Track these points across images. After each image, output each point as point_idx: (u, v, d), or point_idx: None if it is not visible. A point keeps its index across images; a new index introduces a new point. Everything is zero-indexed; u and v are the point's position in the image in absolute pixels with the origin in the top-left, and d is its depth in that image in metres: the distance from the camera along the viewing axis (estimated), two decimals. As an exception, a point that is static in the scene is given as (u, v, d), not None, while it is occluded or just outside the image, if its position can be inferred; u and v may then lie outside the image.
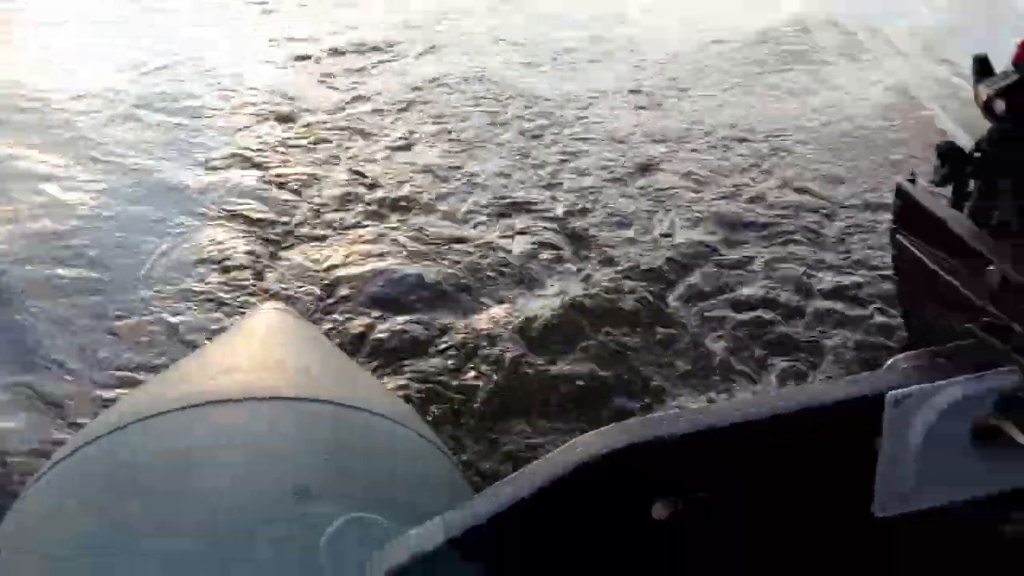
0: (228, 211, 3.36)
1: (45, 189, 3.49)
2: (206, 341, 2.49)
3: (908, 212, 1.17)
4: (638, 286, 2.79)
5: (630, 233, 3.21)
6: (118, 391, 2.28)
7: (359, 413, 1.05)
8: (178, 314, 2.73)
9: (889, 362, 0.99)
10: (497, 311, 2.71)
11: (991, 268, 0.99)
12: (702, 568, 0.94)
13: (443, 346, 2.53)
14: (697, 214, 3.33)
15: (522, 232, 3.19)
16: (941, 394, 0.93)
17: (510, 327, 2.59)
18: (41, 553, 0.89)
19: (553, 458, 0.87)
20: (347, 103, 4.43)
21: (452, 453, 1.27)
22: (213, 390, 1.02)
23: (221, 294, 2.83)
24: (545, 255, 3.06)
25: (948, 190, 1.15)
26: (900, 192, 1.19)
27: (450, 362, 2.46)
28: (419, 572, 0.83)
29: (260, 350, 1.19)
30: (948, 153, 1.08)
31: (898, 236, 1.20)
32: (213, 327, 2.62)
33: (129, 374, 2.43)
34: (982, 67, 1.03)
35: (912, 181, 1.19)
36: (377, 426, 1.05)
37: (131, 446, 0.95)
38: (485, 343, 2.52)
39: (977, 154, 1.06)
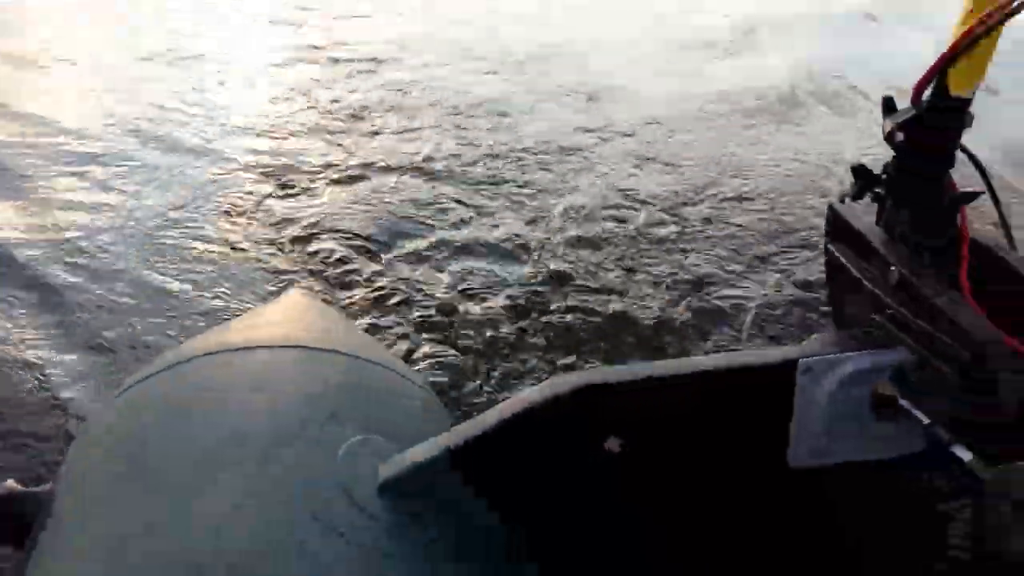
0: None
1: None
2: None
3: (836, 226, 1.39)
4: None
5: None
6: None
7: (368, 364, 1.25)
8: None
9: (808, 339, 1.21)
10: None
11: (892, 270, 1.21)
12: (645, 496, 1.14)
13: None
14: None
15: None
16: (844, 364, 1.15)
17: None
18: (109, 470, 1.08)
19: (530, 393, 1.08)
20: (330, 105, 4.76)
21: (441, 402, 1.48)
22: (251, 338, 1.23)
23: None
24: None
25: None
26: (831, 209, 1.42)
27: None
28: (419, 479, 1.04)
29: (290, 315, 1.40)
30: (860, 172, 1.31)
31: (829, 247, 1.43)
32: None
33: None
34: (888, 105, 1.26)
35: (843, 201, 1.42)
36: (382, 375, 1.26)
37: (184, 379, 1.15)
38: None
39: (884, 176, 1.29)
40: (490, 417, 1.06)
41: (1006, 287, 1.22)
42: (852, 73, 5.20)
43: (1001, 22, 1.08)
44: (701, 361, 1.17)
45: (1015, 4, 1.05)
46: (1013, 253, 1.26)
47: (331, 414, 1.09)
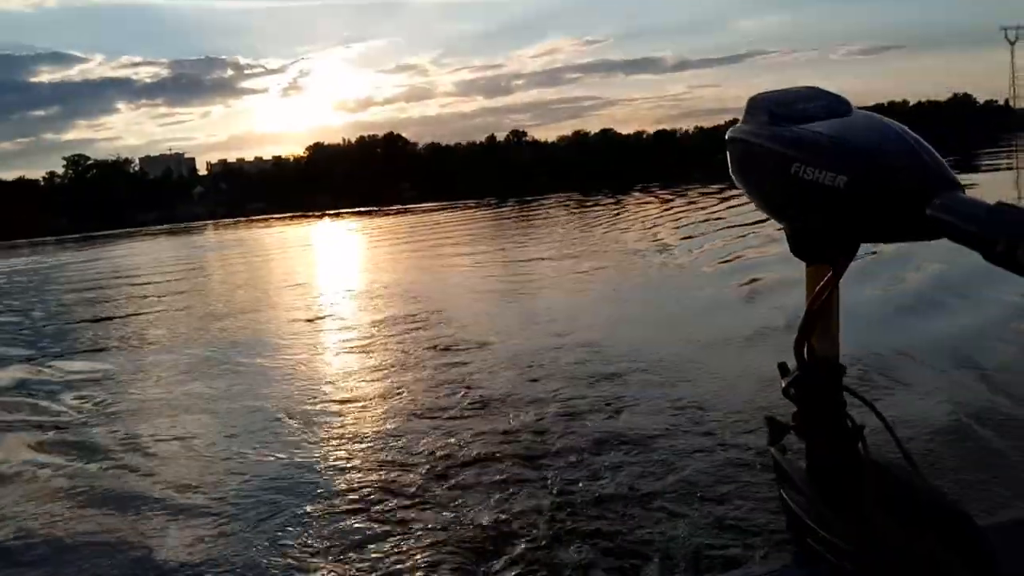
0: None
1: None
2: None
3: (778, 471, 1.68)
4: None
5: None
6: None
7: None
8: None
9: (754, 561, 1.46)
10: None
11: (813, 500, 1.49)
12: None
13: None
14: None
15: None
16: None
17: None
18: None
19: None
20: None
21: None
22: None
23: None
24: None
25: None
26: (772, 457, 1.70)
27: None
28: None
29: None
30: (771, 422, 1.62)
31: (780, 491, 1.69)
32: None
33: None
34: (782, 368, 1.60)
35: (782, 451, 1.71)
36: None
37: None
38: None
39: (792, 425, 1.59)
40: None
41: (909, 501, 1.45)
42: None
43: (828, 296, 1.45)
44: None
45: (831, 285, 1.44)
46: (913, 472, 1.51)
47: None
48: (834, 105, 1.38)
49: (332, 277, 16.70)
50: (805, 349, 1.54)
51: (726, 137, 1.53)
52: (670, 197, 32.11)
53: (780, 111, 1.38)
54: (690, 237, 15.65)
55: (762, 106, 1.44)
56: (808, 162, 1.23)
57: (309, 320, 9.74)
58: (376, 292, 11.95)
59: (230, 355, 7.83)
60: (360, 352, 7.51)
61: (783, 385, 1.58)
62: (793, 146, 1.28)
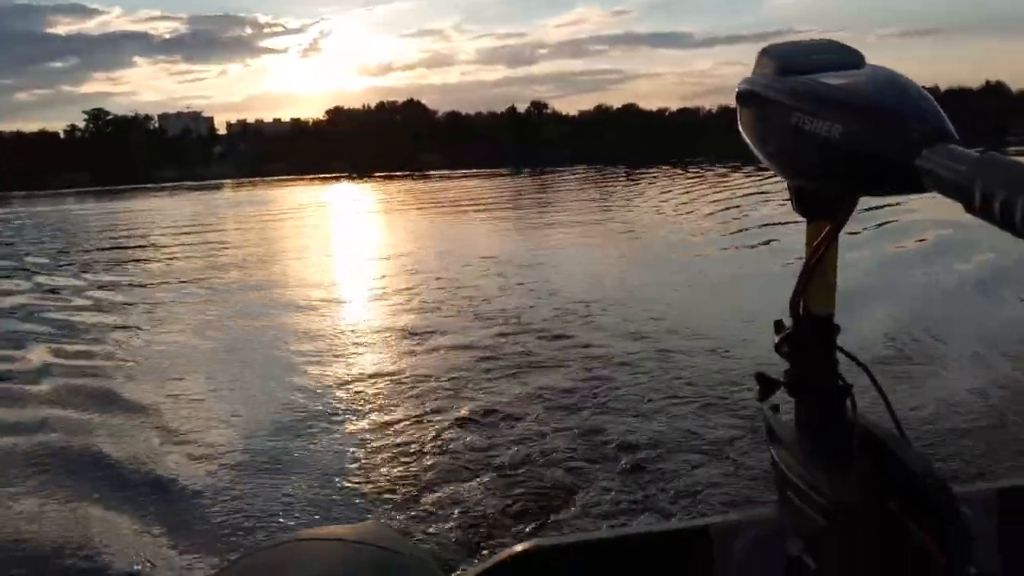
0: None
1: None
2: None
3: (768, 428, 1.69)
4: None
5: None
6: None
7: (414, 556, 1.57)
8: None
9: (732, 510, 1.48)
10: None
11: (797, 456, 1.50)
12: None
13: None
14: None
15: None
16: (752, 528, 1.40)
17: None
18: None
19: (491, 559, 1.37)
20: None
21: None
22: (319, 534, 1.57)
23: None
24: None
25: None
26: (763, 414, 1.71)
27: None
28: None
29: (360, 528, 1.75)
30: (760, 378, 1.62)
31: (770, 448, 1.71)
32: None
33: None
34: (777, 325, 1.60)
35: (774, 409, 1.72)
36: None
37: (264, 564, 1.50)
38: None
39: (783, 381, 1.60)
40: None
41: (889, 460, 1.46)
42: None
43: (825, 252, 1.45)
44: (633, 528, 1.44)
45: (829, 240, 1.43)
46: (896, 433, 1.51)
47: None
48: (846, 57, 1.35)
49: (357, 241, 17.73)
50: (800, 306, 1.54)
51: (736, 91, 1.51)
52: (683, 173, 32.27)
53: (789, 62, 1.36)
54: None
55: (772, 56, 1.42)
56: (808, 112, 1.22)
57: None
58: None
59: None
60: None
61: (775, 341, 1.59)
62: (795, 96, 1.26)
